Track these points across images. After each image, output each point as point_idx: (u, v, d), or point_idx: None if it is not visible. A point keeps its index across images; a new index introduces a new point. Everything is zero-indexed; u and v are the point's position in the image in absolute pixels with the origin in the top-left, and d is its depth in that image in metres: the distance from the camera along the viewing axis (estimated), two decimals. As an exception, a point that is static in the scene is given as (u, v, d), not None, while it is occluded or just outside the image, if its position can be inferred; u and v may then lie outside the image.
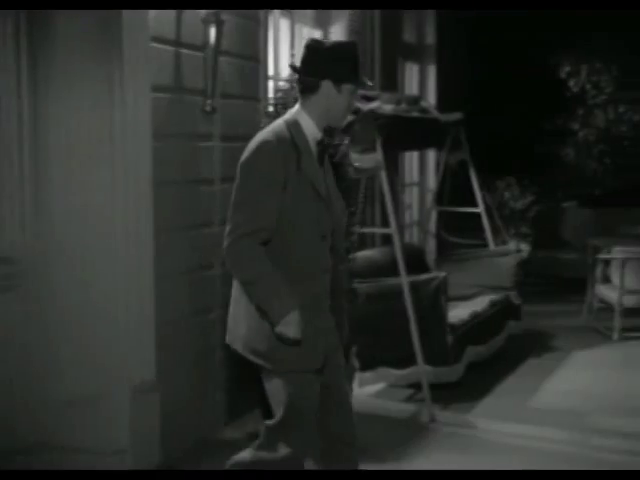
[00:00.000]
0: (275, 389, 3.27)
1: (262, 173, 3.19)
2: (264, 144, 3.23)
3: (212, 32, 4.89)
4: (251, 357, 3.27)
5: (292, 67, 3.46)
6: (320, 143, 3.33)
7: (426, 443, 5.15)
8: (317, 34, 6.93)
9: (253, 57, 5.59)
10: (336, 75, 3.25)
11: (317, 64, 3.26)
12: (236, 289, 3.33)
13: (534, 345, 7.52)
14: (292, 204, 3.20)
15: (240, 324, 3.29)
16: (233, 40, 5.25)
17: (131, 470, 4.46)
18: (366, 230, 7.15)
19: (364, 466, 3.62)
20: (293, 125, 3.28)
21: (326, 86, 3.26)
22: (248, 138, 5.16)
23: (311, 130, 3.30)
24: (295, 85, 3.68)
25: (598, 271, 8.32)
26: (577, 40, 10.89)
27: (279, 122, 3.31)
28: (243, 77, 5.45)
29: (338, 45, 3.34)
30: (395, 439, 5.21)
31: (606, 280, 8.26)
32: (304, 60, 3.31)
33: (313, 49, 3.29)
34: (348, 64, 3.29)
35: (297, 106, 3.32)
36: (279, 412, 3.25)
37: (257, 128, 5.04)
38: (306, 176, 3.23)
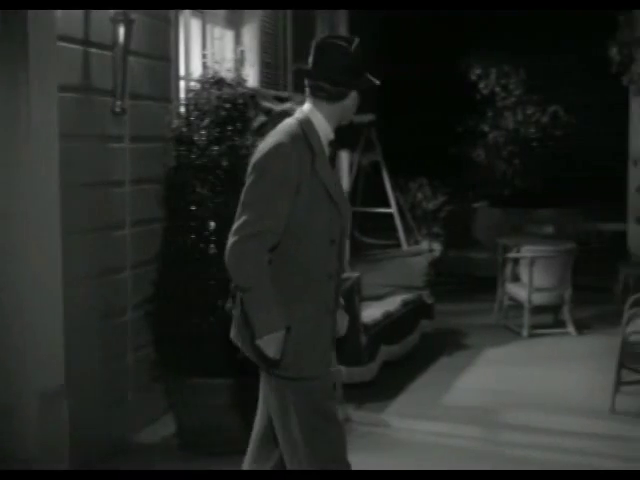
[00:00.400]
0: (283, 396, 3.16)
1: (275, 175, 3.08)
2: (279, 146, 3.11)
3: (121, 31, 4.81)
4: (253, 359, 3.20)
5: (305, 72, 3.25)
6: (332, 144, 3.25)
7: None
8: (229, 34, 6.89)
9: (164, 57, 5.52)
10: (362, 84, 3.20)
11: (344, 74, 3.17)
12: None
13: (446, 343, 7.61)
14: (305, 207, 3.11)
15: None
16: (143, 40, 5.18)
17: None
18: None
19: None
20: (307, 125, 3.18)
21: (352, 96, 3.21)
22: (159, 139, 5.19)
23: (324, 130, 3.21)
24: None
25: (508, 270, 8.48)
26: (486, 42, 11.08)
27: (291, 121, 3.20)
28: (153, 77, 5.38)
29: (357, 48, 3.20)
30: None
31: (515, 278, 8.43)
32: (328, 67, 3.16)
33: (337, 55, 3.17)
34: (366, 68, 3.24)
35: (309, 105, 3.21)
36: (295, 424, 3.14)
37: (168, 129, 5.05)
38: (319, 178, 3.14)
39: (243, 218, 3.08)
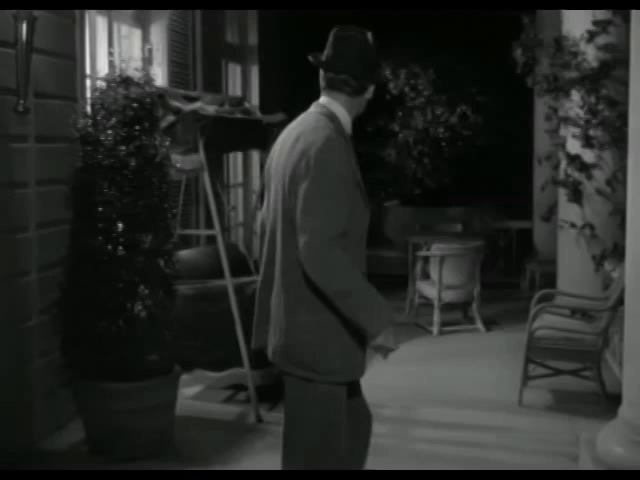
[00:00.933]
0: (313, 401, 3.10)
1: (334, 171, 2.96)
2: (330, 141, 3.00)
3: (24, 29, 4.70)
4: (290, 368, 3.11)
5: (326, 64, 3.16)
6: (351, 139, 3.17)
7: (253, 444, 5.16)
8: (136, 33, 6.80)
9: (69, 55, 5.41)
10: (380, 78, 3.21)
11: (366, 67, 3.16)
12: (290, 298, 3.07)
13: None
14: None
15: (288, 333, 3.09)
16: (47, 37, 5.07)
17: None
18: (190, 232, 7.09)
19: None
20: (334, 119, 3.10)
21: (370, 90, 3.20)
22: (65, 139, 5.08)
23: (347, 124, 3.16)
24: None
25: (418, 268, 8.58)
26: (396, 43, 11.18)
27: (318, 116, 3.10)
28: (59, 76, 5.27)
29: (374, 43, 3.20)
30: (221, 441, 5.19)
31: (426, 277, 8.53)
32: (351, 60, 3.13)
33: (359, 48, 3.14)
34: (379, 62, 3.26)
35: (328, 98, 3.15)
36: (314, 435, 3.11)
37: (74, 129, 4.94)
38: (354, 172, 3.08)
39: (316, 223, 2.92)
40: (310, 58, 3.22)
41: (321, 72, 3.19)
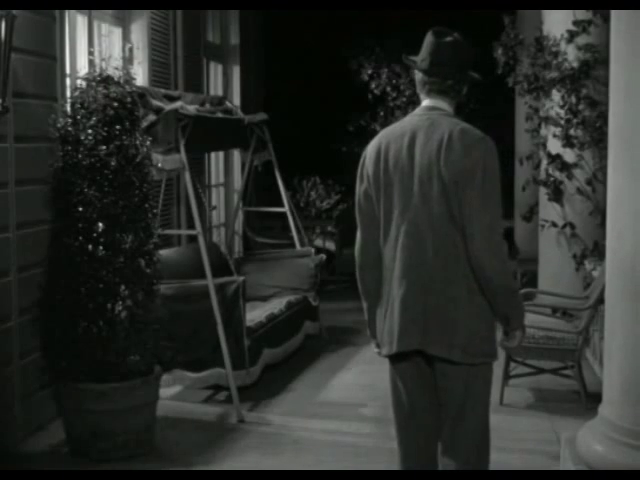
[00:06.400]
0: (485, 382, 3.33)
1: (498, 171, 3.16)
2: (490, 141, 3.19)
3: (2, 28, 4.64)
4: (472, 359, 3.22)
5: (428, 69, 3.30)
6: None
7: (235, 444, 5.14)
8: (117, 31, 6.77)
9: (48, 54, 5.37)
10: (474, 80, 3.36)
11: (465, 72, 3.32)
12: (459, 291, 3.19)
13: (333, 342, 7.68)
14: None
15: (465, 325, 3.19)
16: (27, 36, 5.03)
17: None
18: (171, 232, 7.07)
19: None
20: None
21: (465, 91, 3.37)
22: (45, 139, 5.04)
23: None
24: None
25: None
26: (377, 43, 11.19)
27: (450, 119, 3.25)
28: (38, 75, 5.23)
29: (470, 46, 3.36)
30: (203, 442, 5.17)
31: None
32: (462, 64, 3.29)
33: (466, 52, 3.30)
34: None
35: (435, 100, 3.29)
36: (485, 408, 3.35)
37: (54, 128, 4.90)
38: None
39: (493, 220, 3.12)
40: (410, 63, 3.39)
41: (420, 76, 3.33)
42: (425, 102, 3.31)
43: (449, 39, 3.27)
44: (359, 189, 3.36)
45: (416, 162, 3.19)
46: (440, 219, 3.15)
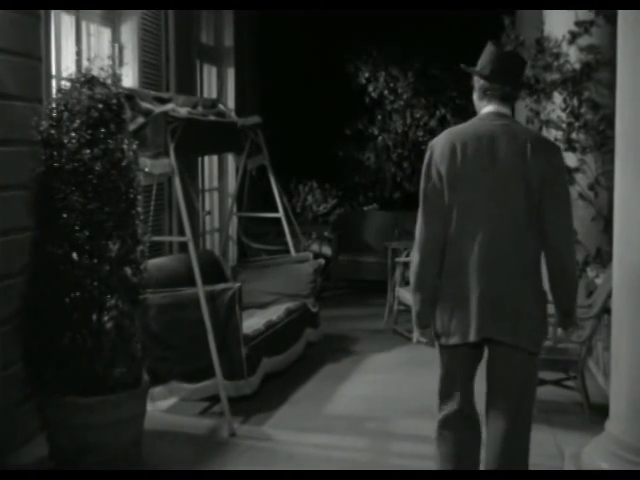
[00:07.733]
0: (536, 369, 3.68)
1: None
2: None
3: (-17, 27, 4.49)
4: (533, 349, 3.54)
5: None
6: None
7: (224, 460, 4.96)
8: (106, 32, 6.60)
9: (33, 55, 5.20)
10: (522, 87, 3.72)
11: (521, 80, 3.71)
12: (534, 283, 3.50)
13: (333, 350, 7.49)
14: None
15: (535, 319, 3.51)
16: (10, 36, 4.86)
17: None
18: (160, 238, 6.89)
19: None
20: None
21: None
22: (26, 142, 4.86)
23: None
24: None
25: (398, 274, 8.41)
26: (374, 46, 11.06)
27: (523, 125, 3.68)
28: (22, 76, 5.05)
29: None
30: (191, 457, 5.00)
31: (406, 283, 8.36)
32: (518, 73, 3.61)
33: (520, 65, 3.63)
34: None
35: (502, 107, 3.54)
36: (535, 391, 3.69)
37: (36, 131, 4.72)
38: None
39: (570, 219, 3.49)
40: (471, 71, 3.62)
41: (482, 83, 3.57)
42: (489, 108, 3.54)
43: (507, 49, 3.69)
44: (426, 185, 3.55)
45: (499, 164, 3.43)
46: (521, 217, 3.42)
